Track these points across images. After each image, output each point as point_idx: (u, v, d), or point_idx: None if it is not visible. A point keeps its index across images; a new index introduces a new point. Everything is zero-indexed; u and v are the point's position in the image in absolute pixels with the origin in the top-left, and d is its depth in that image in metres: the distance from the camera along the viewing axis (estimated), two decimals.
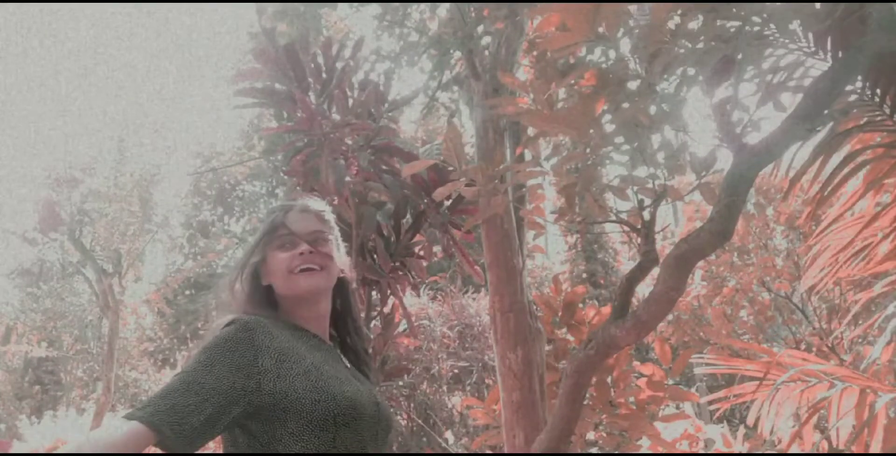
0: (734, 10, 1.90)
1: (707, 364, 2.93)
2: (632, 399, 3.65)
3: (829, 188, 2.48)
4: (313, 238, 1.34)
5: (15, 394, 18.94)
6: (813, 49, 2.27)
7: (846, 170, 2.45)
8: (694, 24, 1.94)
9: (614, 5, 1.81)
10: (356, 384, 1.26)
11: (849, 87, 2.36)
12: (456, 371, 7.63)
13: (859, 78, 2.33)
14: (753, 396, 2.75)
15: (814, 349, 6.32)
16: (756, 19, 2.01)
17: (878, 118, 2.36)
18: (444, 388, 7.70)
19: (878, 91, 2.32)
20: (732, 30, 1.99)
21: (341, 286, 1.42)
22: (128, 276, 12.37)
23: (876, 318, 2.68)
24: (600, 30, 1.87)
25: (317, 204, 1.42)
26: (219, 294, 1.38)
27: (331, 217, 1.42)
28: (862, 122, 2.40)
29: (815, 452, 2.54)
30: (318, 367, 1.21)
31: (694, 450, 4.25)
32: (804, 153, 2.49)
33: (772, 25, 2.18)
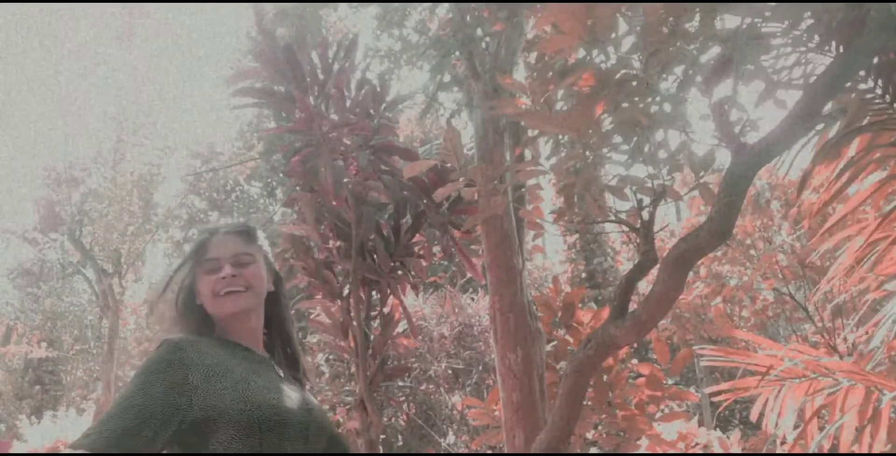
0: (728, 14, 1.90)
1: (710, 357, 2.91)
2: (630, 399, 3.65)
3: (839, 186, 2.47)
4: (236, 261, 1.40)
5: (15, 394, 18.93)
6: (818, 43, 2.26)
7: (851, 170, 2.44)
8: (691, 25, 1.94)
9: (606, 6, 1.81)
10: (284, 392, 1.34)
11: (861, 86, 2.36)
12: (450, 371, 7.63)
13: (870, 77, 2.32)
14: (758, 391, 2.74)
15: (820, 348, 6.31)
16: (756, 19, 2.00)
17: (889, 118, 2.35)
18: (442, 389, 7.70)
19: (890, 90, 2.31)
20: (732, 28, 1.99)
21: (273, 300, 1.50)
22: (128, 276, 12.37)
23: (879, 318, 2.67)
24: (595, 31, 1.87)
25: (243, 225, 1.50)
26: (163, 312, 1.45)
27: (260, 236, 1.51)
28: (873, 122, 2.39)
29: (816, 452, 2.53)
30: (246, 378, 1.29)
31: (691, 450, 4.25)
32: (810, 152, 2.48)
33: (771, 24, 2.18)
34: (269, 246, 1.55)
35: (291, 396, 1.35)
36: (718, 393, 2.95)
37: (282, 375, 1.42)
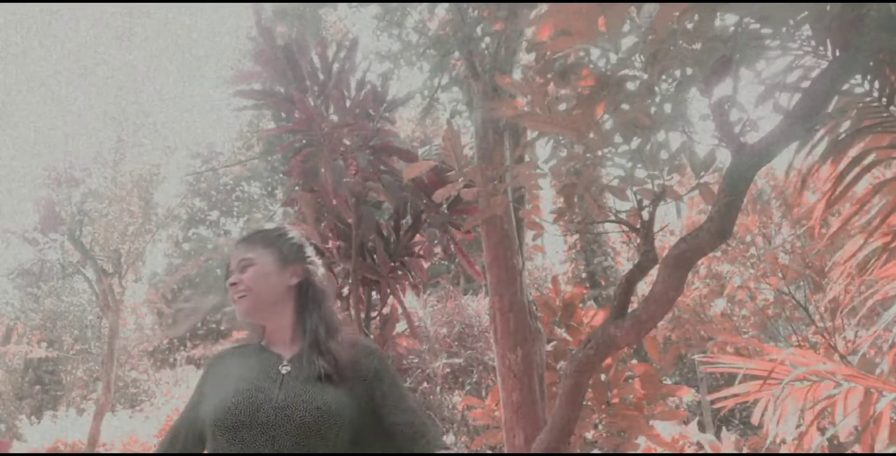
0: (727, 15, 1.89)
1: (710, 363, 2.91)
2: (628, 399, 3.65)
3: (839, 190, 2.47)
4: (239, 267, 1.50)
5: (15, 394, 18.94)
6: (814, 46, 2.27)
7: (853, 172, 2.44)
8: (691, 25, 1.94)
9: (619, 7, 1.80)
10: (256, 391, 1.35)
11: (858, 90, 2.36)
12: (448, 370, 7.63)
13: (866, 79, 2.32)
14: (759, 395, 2.74)
15: (820, 349, 6.31)
16: (753, 20, 2.00)
17: (886, 120, 2.35)
18: (439, 389, 7.70)
19: (886, 92, 2.31)
20: (731, 29, 1.99)
21: (299, 293, 1.52)
22: (128, 276, 12.36)
23: (886, 321, 2.66)
24: (602, 31, 1.87)
25: (250, 233, 1.58)
26: None
27: (266, 237, 1.55)
28: (871, 124, 2.38)
29: (817, 452, 2.53)
30: (227, 383, 1.39)
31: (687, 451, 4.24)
32: (814, 153, 2.48)
33: (770, 26, 2.18)
34: (289, 243, 1.55)
35: (262, 395, 1.33)
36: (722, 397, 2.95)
37: (283, 372, 1.40)
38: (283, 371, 1.40)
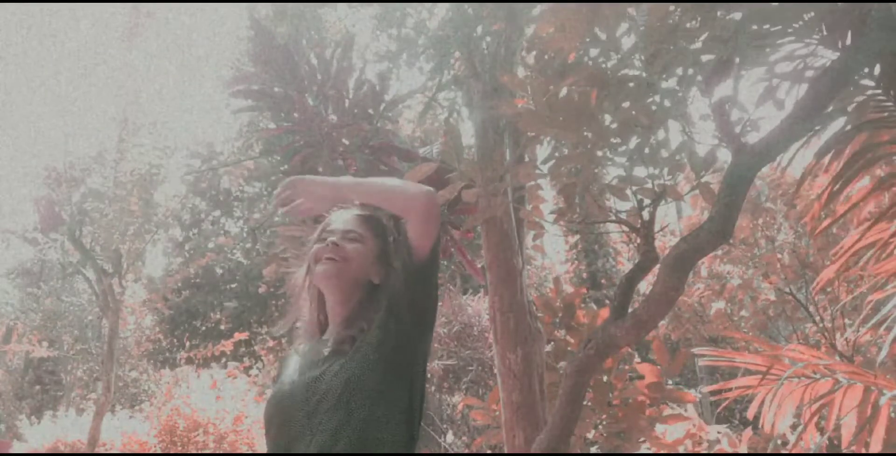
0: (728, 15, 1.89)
1: (709, 357, 2.90)
2: (629, 399, 3.64)
3: (839, 184, 2.46)
4: (345, 234, 1.43)
5: (15, 394, 18.94)
6: (819, 39, 2.25)
7: (855, 168, 2.44)
8: (692, 24, 1.94)
9: (612, 6, 1.81)
10: (291, 382, 1.34)
11: (863, 83, 2.35)
12: (441, 372, 7.63)
13: (872, 72, 2.32)
14: (756, 390, 2.73)
15: (822, 348, 6.30)
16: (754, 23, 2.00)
17: (891, 115, 2.34)
18: (435, 388, 7.70)
19: (892, 89, 2.31)
20: (733, 25, 1.98)
21: (368, 297, 1.42)
22: (128, 276, 12.35)
23: (885, 316, 2.65)
24: (598, 31, 1.87)
25: (370, 211, 1.50)
26: None
27: (375, 224, 1.48)
28: (875, 119, 2.38)
29: (817, 451, 2.53)
30: (280, 376, 1.41)
31: (697, 450, 4.24)
32: (812, 151, 2.48)
33: (771, 24, 2.17)
34: (388, 242, 1.47)
35: (294, 384, 1.32)
36: (719, 392, 2.95)
37: (324, 355, 1.36)
38: (325, 353, 1.36)
